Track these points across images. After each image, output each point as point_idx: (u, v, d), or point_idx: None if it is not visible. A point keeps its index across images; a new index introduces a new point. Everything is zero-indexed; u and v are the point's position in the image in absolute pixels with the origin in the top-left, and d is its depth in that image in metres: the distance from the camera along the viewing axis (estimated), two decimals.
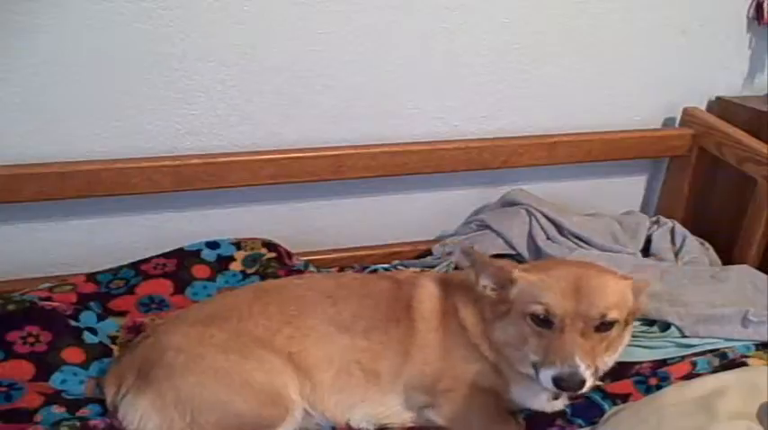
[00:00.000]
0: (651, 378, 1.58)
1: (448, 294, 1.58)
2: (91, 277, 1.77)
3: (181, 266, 1.82)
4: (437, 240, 2.19)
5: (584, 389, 1.32)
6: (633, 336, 1.72)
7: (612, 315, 1.36)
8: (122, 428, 1.38)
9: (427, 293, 1.59)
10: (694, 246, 2.12)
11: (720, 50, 2.30)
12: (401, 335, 1.52)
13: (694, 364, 1.61)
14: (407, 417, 1.51)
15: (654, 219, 2.26)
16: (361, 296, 1.59)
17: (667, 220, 2.23)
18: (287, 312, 1.54)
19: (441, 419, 1.48)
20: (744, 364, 1.60)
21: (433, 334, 1.53)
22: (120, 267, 1.81)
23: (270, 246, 1.93)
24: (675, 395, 1.31)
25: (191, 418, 1.36)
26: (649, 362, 1.67)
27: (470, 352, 1.50)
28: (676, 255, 2.10)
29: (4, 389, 1.45)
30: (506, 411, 1.49)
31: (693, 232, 2.18)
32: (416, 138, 2.10)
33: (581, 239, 2.09)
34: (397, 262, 2.09)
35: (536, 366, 1.37)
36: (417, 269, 1.94)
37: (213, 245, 1.89)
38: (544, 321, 1.36)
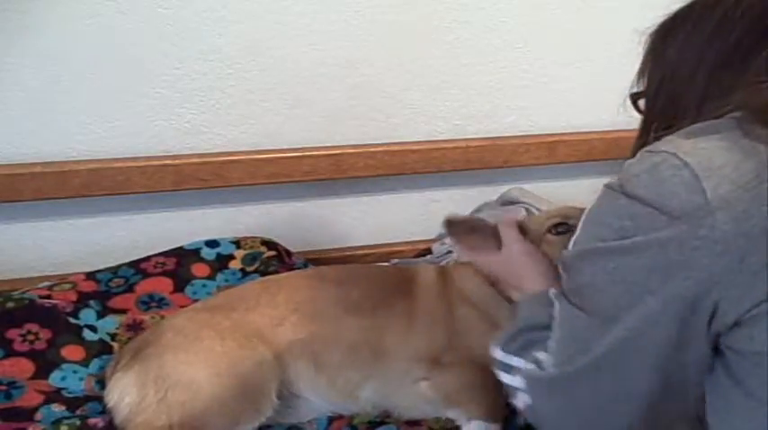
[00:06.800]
0: None
1: (448, 271, 1.64)
2: (90, 276, 1.77)
3: (180, 265, 1.82)
4: (437, 240, 2.19)
5: None
6: None
7: None
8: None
9: (429, 269, 1.65)
10: None
11: None
12: (405, 307, 1.54)
13: None
14: (412, 398, 1.49)
15: None
16: (369, 278, 1.62)
17: None
18: (295, 300, 1.54)
19: (434, 391, 1.46)
20: None
21: (435, 301, 1.54)
22: (120, 266, 1.81)
23: (269, 244, 1.92)
24: None
25: (163, 394, 1.33)
26: None
27: (472, 313, 1.50)
28: None
29: (4, 387, 1.45)
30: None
31: None
32: (416, 137, 2.10)
33: None
34: (396, 261, 2.09)
35: None
36: None
37: (213, 243, 1.89)
38: None
